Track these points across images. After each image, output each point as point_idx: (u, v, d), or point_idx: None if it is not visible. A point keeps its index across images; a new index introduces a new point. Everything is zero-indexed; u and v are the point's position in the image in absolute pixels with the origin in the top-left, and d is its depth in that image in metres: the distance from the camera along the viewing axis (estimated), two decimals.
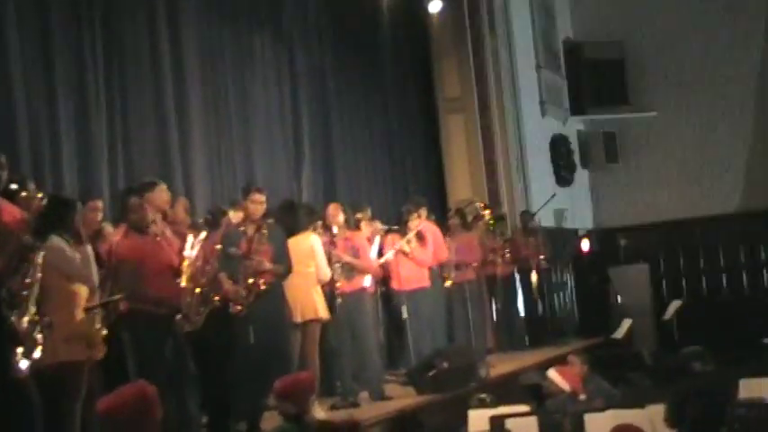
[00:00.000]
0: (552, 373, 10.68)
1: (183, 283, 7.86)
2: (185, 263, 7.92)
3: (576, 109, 19.78)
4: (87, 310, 7.18)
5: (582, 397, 10.13)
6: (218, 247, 8.57)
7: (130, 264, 7.87)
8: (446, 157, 17.21)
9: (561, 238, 17.58)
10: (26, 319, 6.37)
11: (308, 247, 9.62)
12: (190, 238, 8.03)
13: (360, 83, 15.78)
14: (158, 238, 7.99)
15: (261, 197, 8.94)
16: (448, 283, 12.69)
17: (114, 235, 8.43)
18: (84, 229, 7.97)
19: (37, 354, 6.47)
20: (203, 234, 8.14)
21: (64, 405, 7.01)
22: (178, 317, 7.77)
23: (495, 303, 14.45)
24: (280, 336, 8.85)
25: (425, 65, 17.38)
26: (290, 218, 9.69)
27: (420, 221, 11.85)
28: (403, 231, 11.79)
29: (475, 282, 13.55)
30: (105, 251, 8.21)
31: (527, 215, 15.91)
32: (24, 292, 6.38)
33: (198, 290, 7.91)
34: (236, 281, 8.63)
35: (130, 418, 5.06)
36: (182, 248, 8.02)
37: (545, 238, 15.62)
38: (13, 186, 7.37)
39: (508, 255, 14.52)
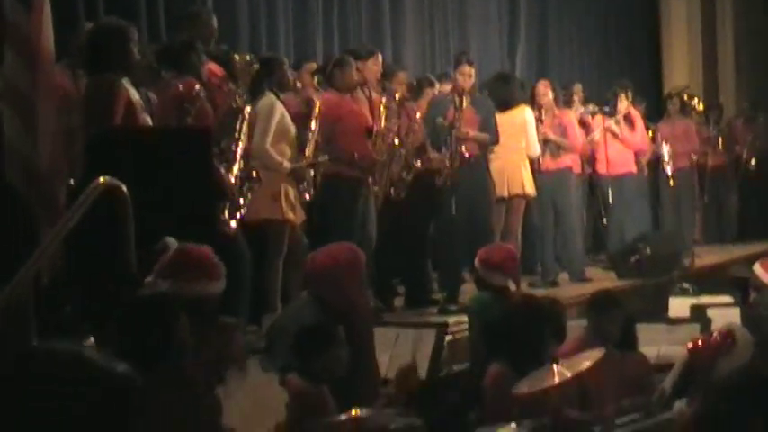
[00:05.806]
0: (758, 267, 10.26)
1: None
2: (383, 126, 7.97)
3: None
4: (294, 170, 7.33)
5: None
6: (419, 115, 8.53)
7: (328, 122, 7.86)
8: (664, 43, 16.66)
9: None
10: (235, 173, 6.55)
11: (521, 121, 9.48)
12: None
13: None
14: (360, 100, 8.02)
15: (470, 69, 8.80)
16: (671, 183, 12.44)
17: None
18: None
19: (243, 210, 6.67)
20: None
21: (266, 260, 7.22)
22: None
23: (706, 194, 14.01)
24: (483, 209, 8.82)
25: None
26: (504, 91, 9.55)
27: (627, 104, 11.63)
28: (612, 113, 11.55)
29: (687, 170, 13.19)
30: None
31: (748, 107, 15.27)
32: (234, 149, 6.54)
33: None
34: (440, 150, 8.60)
35: (341, 272, 5.22)
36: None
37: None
38: (224, 47, 7.56)
39: (721, 145, 14.04)
